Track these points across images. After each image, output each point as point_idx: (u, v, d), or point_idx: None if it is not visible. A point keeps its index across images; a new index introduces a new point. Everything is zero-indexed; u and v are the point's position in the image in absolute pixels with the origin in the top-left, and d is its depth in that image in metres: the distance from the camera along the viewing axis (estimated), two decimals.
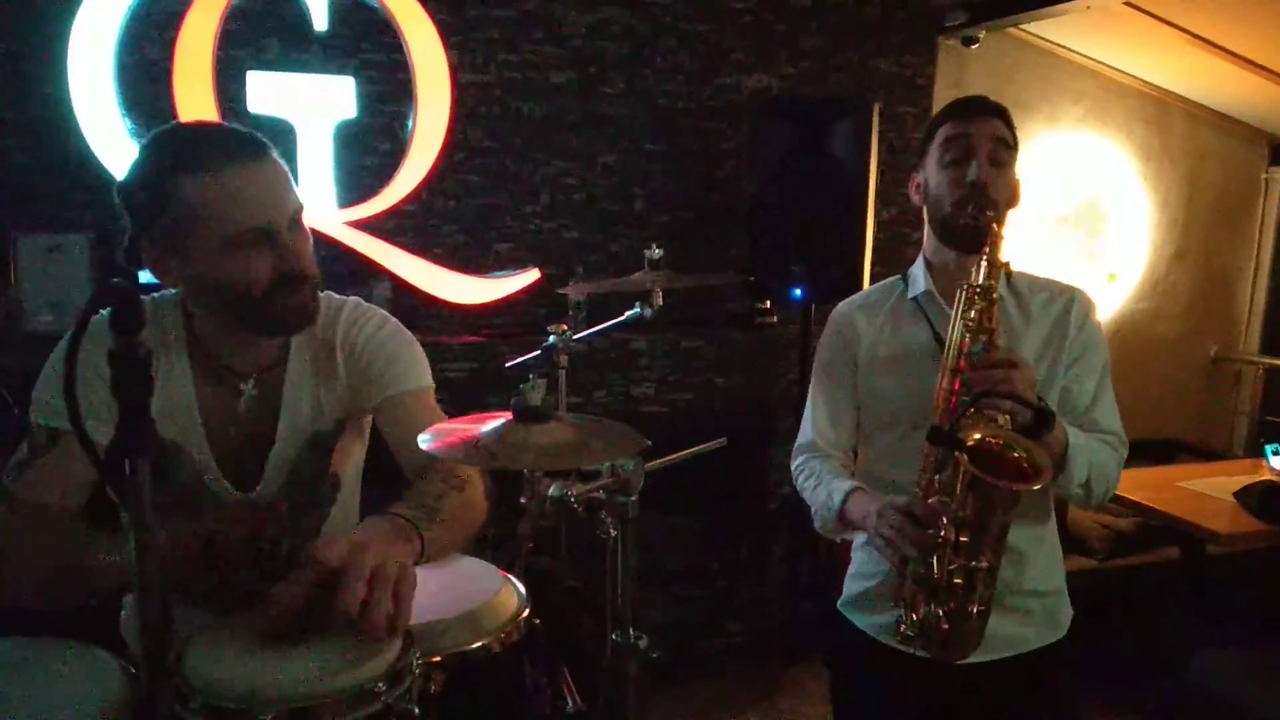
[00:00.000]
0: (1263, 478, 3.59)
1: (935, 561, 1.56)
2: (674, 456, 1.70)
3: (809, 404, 2.02)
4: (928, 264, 1.90)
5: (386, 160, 3.62)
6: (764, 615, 4.22)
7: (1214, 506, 3.52)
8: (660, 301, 2.61)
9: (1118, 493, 3.64)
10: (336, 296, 1.66)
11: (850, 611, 1.98)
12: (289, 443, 1.54)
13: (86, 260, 3.31)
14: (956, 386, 1.63)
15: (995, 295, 1.64)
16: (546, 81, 3.83)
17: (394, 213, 3.63)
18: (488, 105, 3.77)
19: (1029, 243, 4.78)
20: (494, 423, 1.31)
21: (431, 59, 3.55)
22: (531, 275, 3.76)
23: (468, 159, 3.76)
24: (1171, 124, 5.01)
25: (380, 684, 1.07)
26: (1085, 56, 4.70)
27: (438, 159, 3.61)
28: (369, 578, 1.10)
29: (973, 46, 4.32)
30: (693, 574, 4.17)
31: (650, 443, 1.34)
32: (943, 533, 1.54)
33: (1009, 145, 1.78)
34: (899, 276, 1.98)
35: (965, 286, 1.66)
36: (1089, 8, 3.77)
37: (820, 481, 1.90)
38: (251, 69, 3.42)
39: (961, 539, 1.54)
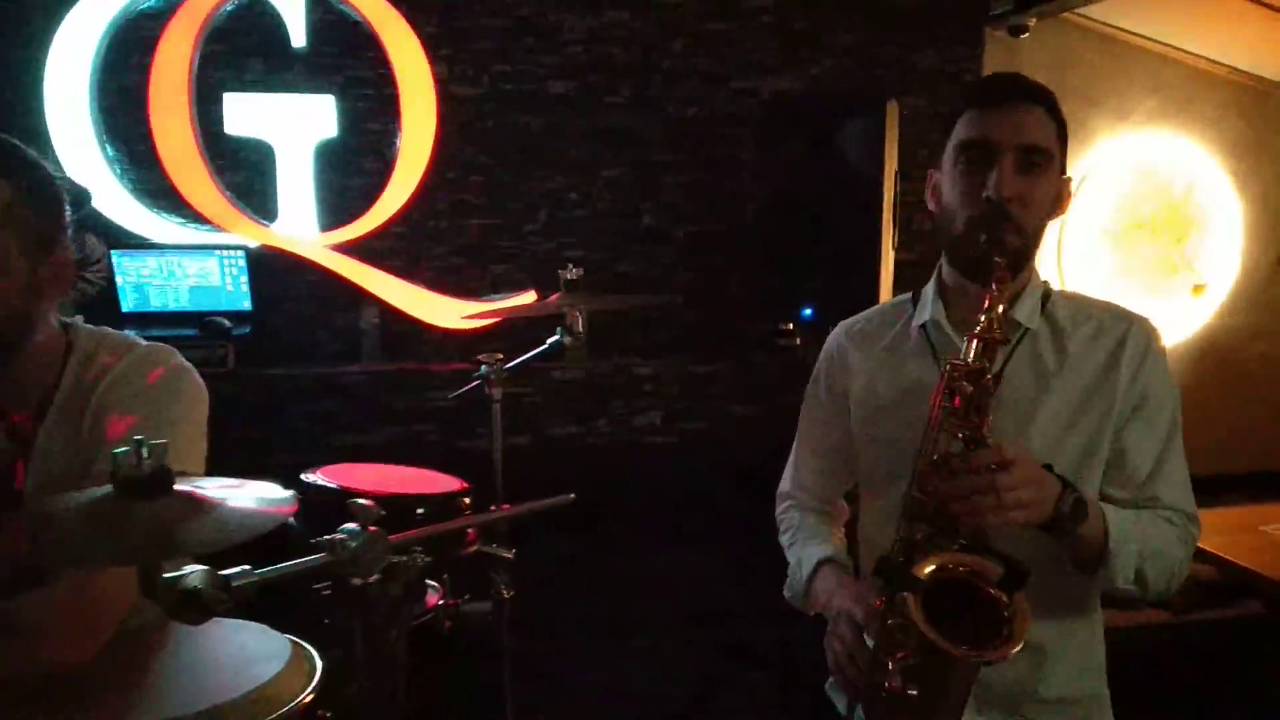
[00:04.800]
0: None
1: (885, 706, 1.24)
2: (463, 521, 1.40)
3: (795, 443, 1.70)
4: (941, 285, 1.50)
5: (373, 180, 3.47)
6: (792, 664, 3.87)
7: None
8: (581, 327, 2.32)
9: None
10: (114, 335, 1.44)
11: (835, 693, 1.61)
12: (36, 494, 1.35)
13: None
14: (929, 493, 1.27)
15: (988, 379, 1.25)
16: (544, 92, 3.61)
17: (381, 234, 3.48)
18: (481, 119, 3.57)
19: (1096, 251, 4.29)
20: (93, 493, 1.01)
21: (416, 73, 3.39)
22: (528, 297, 3.54)
23: (460, 177, 3.58)
24: (1271, 116, 4.42)
25: None
26: (1162, 43, 4.19)
27: (424, 177, 3.44)
28: None
29: (1022, 36, 3.88)
30: (713, 617, 3.86)
31: (384, 512, 1.06)
32: (888, 682, 1.21)
33: (1046, 146, 1.35)
34: (909, 295, 1.58)
35: (948, 365, 1.28)
36: None
37: (795, 541, 1.62)
38: (232, 90, 3.32)
39: (910, 692, 1.21)
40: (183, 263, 3.32)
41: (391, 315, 3.48)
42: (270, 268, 3.42)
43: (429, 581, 2.35)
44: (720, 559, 3.81)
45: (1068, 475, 1.29)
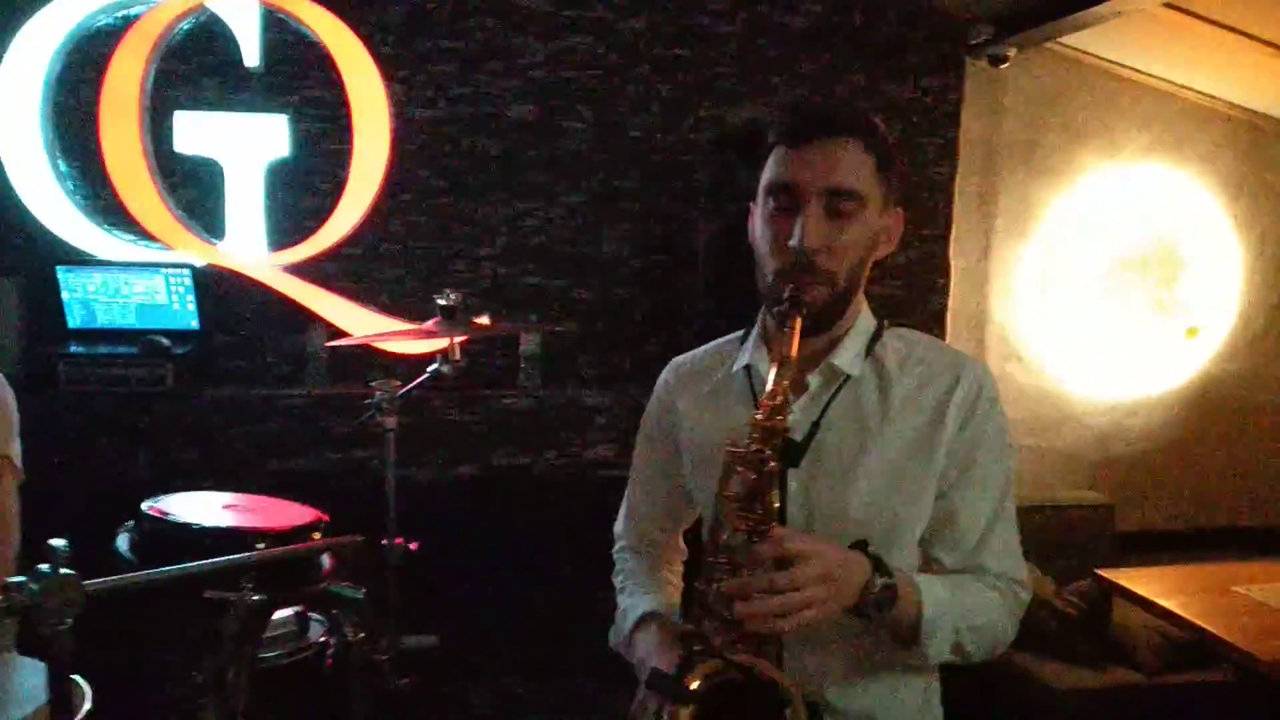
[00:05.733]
0: None
1: None
2: (193, 564, 1.29)
3: (629, 482, 1.63)
4: (763, 327, 1.40)
5: (325, 201, 3.43)
6: None
7: (1273, 622, 2.83)
8: (458, 355, 2.23)
9: (1150, 597, 3.08)
10: None
11: None
12: None
13: (14, 303, 3.24)
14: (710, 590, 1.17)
15: (771, 466, 1.16)
16: (504, 115, 3.55)
17: (333, 257, 3.44)
18: (438, 142, 3.52)
19: (1083, 289, 4.13)
20: None
21: (370, 94, 3.35)
22: (499, 329, 3.46)
23: (415, 199, 3.53)
24: (1270, 153, 4.25)
25: None
26: (1154, 76, 4.04)
27: (376, 199, 3.40)
28: None
29: (1002, 66, 3.76)
30: None
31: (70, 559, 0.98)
32: None
33: (857, 189, 1.24)
34: (742, 333, 1.48)
35: (726, 452, 1.19)
36: (1119, 14, 3.18)
37: (624, 587, 1.54)
38: (185, 108, 3.31)
39: None
40: (129, 280, 3.30)
41: (340, 338, 3.43)
42: (218, 287, 3.40)
43: (314, 616, 2.29)
44: None
45: (888, 537, 1.25)
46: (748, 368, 1.38)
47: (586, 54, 3.58)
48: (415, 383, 2.37)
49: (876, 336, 1.35)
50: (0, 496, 1.37)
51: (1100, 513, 3.99)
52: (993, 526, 1.31)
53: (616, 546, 1.64)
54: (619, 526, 1.64)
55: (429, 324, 2.30)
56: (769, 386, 1.17)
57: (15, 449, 1.44)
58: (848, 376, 1.31)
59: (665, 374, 1.56)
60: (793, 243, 1.22)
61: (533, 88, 3.56)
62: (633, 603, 1.49)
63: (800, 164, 1.24)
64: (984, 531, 1.30)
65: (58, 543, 0.96)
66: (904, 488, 1.28)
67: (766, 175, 1.29)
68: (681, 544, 1.64)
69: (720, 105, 3.67)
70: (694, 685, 1.10)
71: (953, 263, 3.98)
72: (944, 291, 3.98)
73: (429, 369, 2.33)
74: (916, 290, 3.91)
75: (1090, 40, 3.78)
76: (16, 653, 1.20)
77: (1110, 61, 3.97)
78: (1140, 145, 4.11)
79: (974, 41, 3.77)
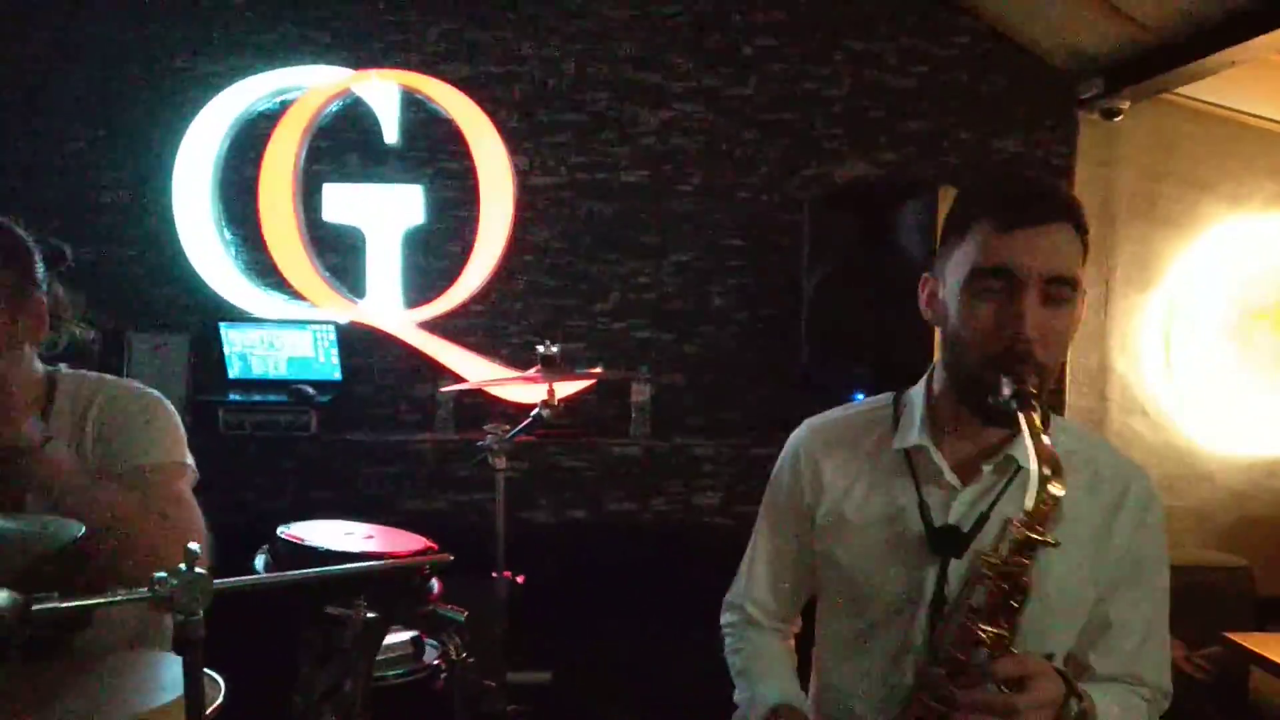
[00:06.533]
0: None
1: None
2: (310, 572, 1.48)
3: (750, 549, 1.55)
4: (930, 399, 1.34)
5: (455, 263, 3.72)
6: None
7: None
8: (556, 401, 2.40)
9: None
10: (93, 374, 1.66)
11: None
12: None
13: (185, 356, 3.65)
14: (937, 696, 1.18)
15: (1027, 580, 1.13)
16: (617, 181, 3.78)
17: (461, 314, 3.72)
18: (558, 206, 3.78)
19: (1210, 342, 3.99)
20: None
21: (496, 164, 3.64)
22: (591, 378, 3.66)
23: (536, 259, 3.78)
24: None
25: None
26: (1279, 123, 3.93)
27: (500, 259, 3.67)
28: None
29: (1116, 119, 3.74)
30: None
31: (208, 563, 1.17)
32: None
33: (1075, 276, 1.18)
34: (887, 398, 1.43)
35: (981, 561, 1.16)
36: (1233, 63, 3.14)
37: (747, 668, 1.49)
38: (332, 181, 3.68)
39: None
40: (281, 335, 3.66)
41: (468, 389, 3.69)
42: (359, 342, 3.72)
43: (429, 641, 2.48)
44: None
45: (1042, 647, 1.22)
46: (915, 448, 1.32)
47: (695, 121, 3.78)
48: (520, 426, 2.56)
49: (1045, 427, 1.20)
50: (187, 496, 1.61)
51: (1237, 575, 3.81)
52: (1150, 638, 1.30)
53: (729, 619, 1.56)
54: (734, 597, 1.56)
55: (531, 371, 2.50)
56: (1031, 494, 1.11)
57: (190, 457, 1.69)
58: (1020, 468, 1.26)
59: (801, 436, 1.48)
60: (1013, 329, 1.16)
61: (645, 154, 3.78)
62: (759, 691, 1.42)
63: (1020, 249, 1.17)
64: (1141, 643, 1.29)
65: (193, 546, 1.16)
66: (1069, 593, 1.26)
67: (973, 258, 1.21)
68: (798, 618, 1.57)
69: (825, 164, 3.79)
70: None
71: None
72: None
73: (531, 414, 2.51)
74: None
75: (1207, 89, 3.72)
76: (172, 652, 1.41)
77: (1231, 110, 3.88)
78: (1269, 194, 3.97)
79: (1085, 96, 3.77)
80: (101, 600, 1.17)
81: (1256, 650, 3.01)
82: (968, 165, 3.77)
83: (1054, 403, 3.89)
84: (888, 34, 3.79)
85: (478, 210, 3.68)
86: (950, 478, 1.29)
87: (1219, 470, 4.11)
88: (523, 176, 3.72)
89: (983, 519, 1.24)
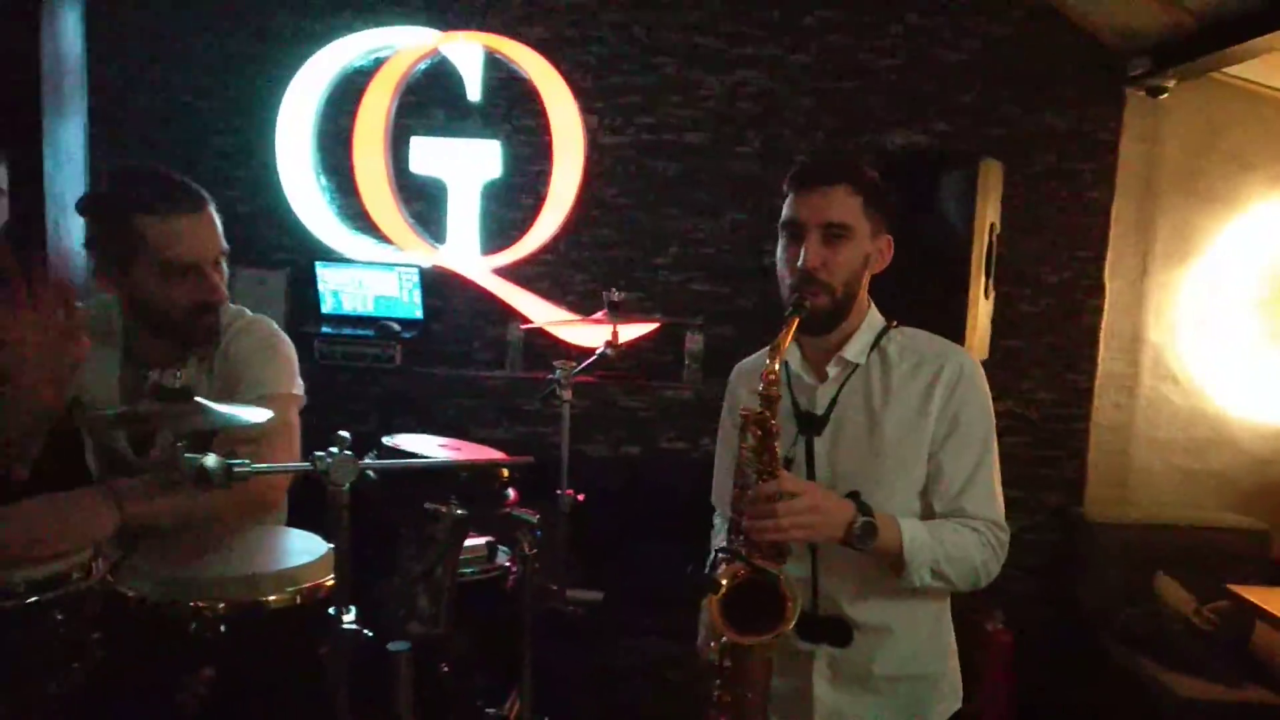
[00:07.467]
0: None
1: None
2: (415, 461, 1.81)
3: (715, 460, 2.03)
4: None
5: (529, 214, 4.04)
6: None
7: None
8: (619, 341, 2.73)
9: None
10: (233, 306, 1.96)
11: None
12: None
13: (284, 290, 4.03)
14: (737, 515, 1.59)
15: (773, 424, 1.54)
16: (681, 141, 4.04)
17: (532, 261, 4.04)
18: (624, 165, 4.06)
19: (1241, 318, 4.15)
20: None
21: (568, 123, 3.93)
22: (652, 324, 3.95)
23: (603, 214, 4.08)
24: None
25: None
26: None
27: (570, 213, 3.97)
28: None
29: (1161, 97, 3.89)
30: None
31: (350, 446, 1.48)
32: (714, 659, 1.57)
33: (846, 221, 1.64)
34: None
35: (741, 413, 1.58)
36: (1273, 50, 3.28)
37: (715, 539, 1.95)
38: (419, 134, 4.00)
39: (726, 664, 1.57)
40: (369, 275, 4.02)
41: (535, 331, 4.01)
42: (439, 284, 4.07)
43: (501, 547, 2.83)
44: None
45: (890, 491, 1.63)
46: (785, 363, 1.73)
47: (756, 87, 4.01)
48: (586, 362, 2.87)
49: (883, 334, 1.72)
50: (294, 423, 1.93)
51: (1256, 538, 3.99)
52: (973, 478, 1.64)
53: (715, 519, 2.02)
54: (713, 498, 2.01)
55: (599, 315, 2.81)
56: (772, 366, 1.55)
57: (300, 385, 2.00)
58: (856, 365, 1.69)
59: (732, 374, 1.98)
60: (800, 263, 1.62)
61: (707, 117, 4.03)
62: (716, 543, 1.86)
63: (802, 205, 1.66)
64: (965, 482, 1.63)
65: (343, 434, 1.46)
66: (901, 452, 1.64)
67: (782, 215, 1.70)
68: None
69: (878, 132, 4.01)
70: (723, 581, 1.52)
71: (1108, 284, 4.12)
72: (1096, 311, 4.12)
73: (597, 352, 2.83)
74: (1068, 307, 4.08)
75: (1254, 70, 3.84)
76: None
77: (1275, 89, 4.00)
78: None
79: (1132, 74, 3.92)
80: (280, 467, 1.53)
81: (1260, 605, 3.22)
82: (1012, 139, 3.96)
83: (1086, 366, 4.10)
84: (944, 8, 3.97)
85: (550, 165, 3.98)
86: (809, 380, 1.73)
87: (1244, 437, 4.29)
88: (593, 135, 3.99)
89: (831, 405, 1.68)
